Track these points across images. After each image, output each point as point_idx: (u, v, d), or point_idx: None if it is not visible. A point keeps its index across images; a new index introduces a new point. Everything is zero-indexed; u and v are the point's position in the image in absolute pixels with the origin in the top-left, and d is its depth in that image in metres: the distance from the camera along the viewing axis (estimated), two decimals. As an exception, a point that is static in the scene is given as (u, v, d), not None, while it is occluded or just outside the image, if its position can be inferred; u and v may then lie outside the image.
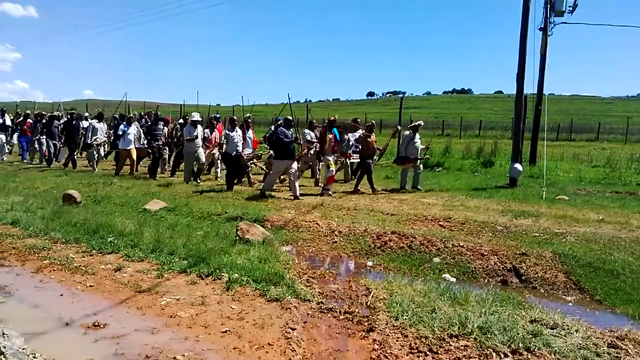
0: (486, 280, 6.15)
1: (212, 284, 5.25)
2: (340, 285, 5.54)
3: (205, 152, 13.30)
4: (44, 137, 16.79)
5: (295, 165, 10.95)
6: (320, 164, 13.14)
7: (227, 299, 4.82)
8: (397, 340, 3.96)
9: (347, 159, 13.43)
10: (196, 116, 13.16)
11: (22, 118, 19.26)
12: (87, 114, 19.20)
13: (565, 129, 40.28)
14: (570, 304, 5.50)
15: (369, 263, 6.70)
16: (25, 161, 17.87)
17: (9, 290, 4.99)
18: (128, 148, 14.04)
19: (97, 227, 7.25)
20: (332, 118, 12.13)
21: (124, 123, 14.54)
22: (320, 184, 12.08)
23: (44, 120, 17.70)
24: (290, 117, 11.66)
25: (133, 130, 14.24)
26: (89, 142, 15.05)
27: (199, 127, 12.99)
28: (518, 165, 13.12)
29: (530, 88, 15.01)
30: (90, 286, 5.18)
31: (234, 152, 11.48)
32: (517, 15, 13.68)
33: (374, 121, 13.91)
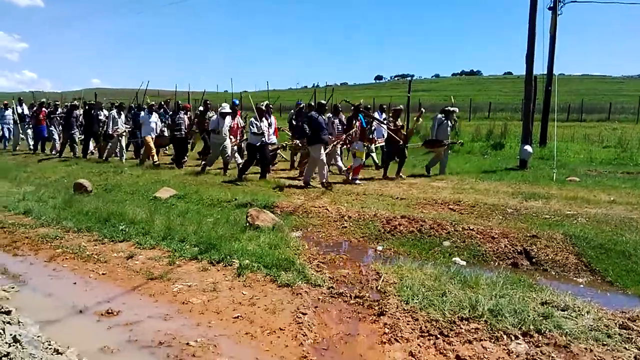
0: (497, 263, 6.15)
1: (223, 270, 5.29)
2: (351, 270, 5.56)
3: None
4: (60, 127, 16.74)
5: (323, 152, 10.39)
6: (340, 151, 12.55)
7: (239, 285, 4.86)
8: (408, 324, 3.98)
9: (372, 144, 12.81)
10: (226, 108, 12.20)
11: (36, 107, 18.24)
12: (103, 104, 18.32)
13: (575, 110, 39.82)
14: (582, 285, 5.48)
15: (379, 247, 6.71)
16: (37, 152, 17.25)
17: (23, 279, 5.07)
18: (152, 136, 13.75)
19: (108, 216, 7.32)
20: (358, 103, 11.43)
21: (146, 111, 14.26)
22: (344, 172, 11.64)
23: (59, 110, 17.44)
24: (323, 102, 11.26)
25: (154, 118, 13.98)
26: (110, 132, 14.46)
27: (228, 119, 12.16)
28: (528, 147, 13.02)
29: (540, 69, 14.87)
30: (103, 274, 5.24)
31: (259, 143, 10.96)
32: (527, -5, 13.50)
33: (401, 106, 13.41)
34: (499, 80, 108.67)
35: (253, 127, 10.89)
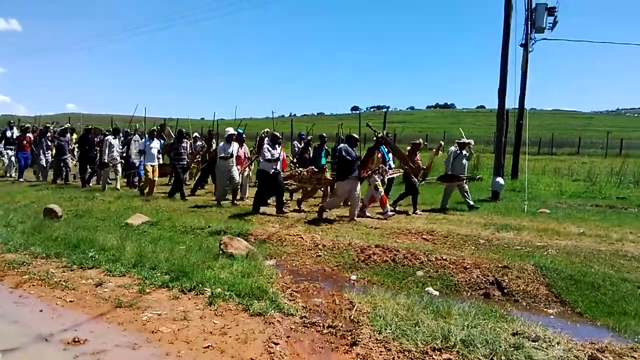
0: (469, 293, 6.17)
1: (195, 299, 5.20)
2: (324, 299, 5.52)
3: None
4: (49, 152, 15.66)
5: (358, 187, 9.94)
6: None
7: (210, 314, 4.79)
8: (381, 354, 3.96)
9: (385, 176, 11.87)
10: (230, 130, 11.74)
11: (20, 132, 17.34)
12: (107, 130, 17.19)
13: (546, 143, 40.77)
14: (552, 316, 5.53)
15: (353, 277, 6.69)
16: (21, 180, 15.91)
17: (-13, 306, 4.91)
18: (152, 164, 12.83)
19: (78, 242, 7.17)
20: (380, 135, 10.68)
21: (147, 137, 13.37)
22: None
23: (48, 134, 16.27)
24: (355, 135, 10.33)
25: (156, 145, 13.22)
26: (106, 159, 13.45)
27: (234, 144, 11.83)
28: (500, 179, 13.26)
29: (512, 103, 15.18)
30: (71, 301, 5.11)
31: (272, 170, 10.45)
32: (499, 31, 13.94)
33: (421, 140, 13.04)
34: (472, 113, 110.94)
35: (267, 153, 10.39)
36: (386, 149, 11.11)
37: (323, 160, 12.63)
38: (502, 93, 13.61)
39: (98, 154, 14.24)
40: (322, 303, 5.34)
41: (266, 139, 11.87)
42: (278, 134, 11.25)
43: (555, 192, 15.44)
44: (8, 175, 17.08)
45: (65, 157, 15.24)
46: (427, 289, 6.16)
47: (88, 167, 14.77)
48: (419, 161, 11.69)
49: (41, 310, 4.86)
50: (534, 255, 7.09)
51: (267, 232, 8.51)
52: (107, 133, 15.37)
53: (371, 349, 4.05)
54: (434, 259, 6.93)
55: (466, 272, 6.56)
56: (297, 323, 4.67)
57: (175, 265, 6.09)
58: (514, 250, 7.43)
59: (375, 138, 10.51)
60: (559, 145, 41.38)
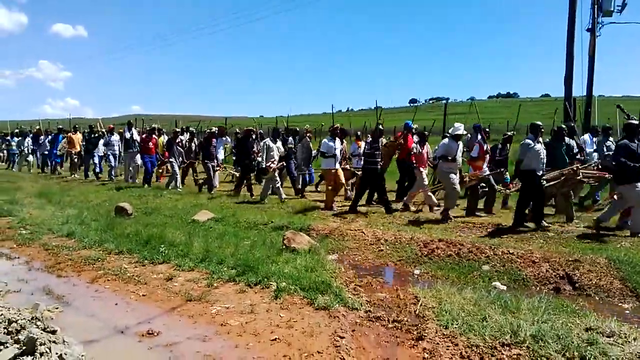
0: (538, 288, 6.00)
1: (261, 293, 5.30)
2: (388, 293, 5.51)
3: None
4: (180, 158, 14.36)
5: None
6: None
7: (276, 307, 4.87)
8: (448, 349, 3.91)
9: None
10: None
11: (146, 133, 15.70)
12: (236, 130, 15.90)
13: (616, 131, 38.85)
14: (627, 311, 5.30)
15: (416, 271, 6.64)
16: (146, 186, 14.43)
17: (67, 300, 5.18)
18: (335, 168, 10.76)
19: (148, 238, 7.45)
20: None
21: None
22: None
23: (179, 139, 14.76)
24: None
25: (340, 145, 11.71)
26: (265, 165, 11.49)
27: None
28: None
29: (579, 90, 14.59)
30: (143, 295, 5.33)
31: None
32: (564, 17, 13.42)
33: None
34: (536, 102, 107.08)
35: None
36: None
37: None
38: (569, 80, 13.15)
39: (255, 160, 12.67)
40: (386, 297, 5.33)
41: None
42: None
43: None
44: (130, 179, 15.65)
45: (212, 163, 13.49)
46: (494, 283, 6.03)
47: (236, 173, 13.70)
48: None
49: (116, 304, 5.08)
50: (606, 248, 6.80)
51: (328, 227, 8.55)
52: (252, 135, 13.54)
53: (438, 343, 4.01)
54: (500, 253, 6.77)
55: (535, 266, 6.38)
56: (362, 317, 4.68)
57: (241, 260, 6.22)
58: (585, 244, 7.15)
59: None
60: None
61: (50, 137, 20.25)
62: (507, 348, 3.86)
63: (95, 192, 13.50)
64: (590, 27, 15.85)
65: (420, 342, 4.08)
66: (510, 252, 6.76)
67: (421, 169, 10.26)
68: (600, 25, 16.03)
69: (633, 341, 3.89)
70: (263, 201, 11.49)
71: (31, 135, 21.70)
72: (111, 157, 16.55)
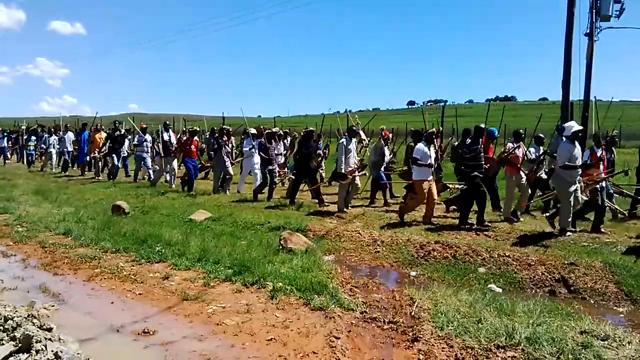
0: (533, 291, 6.03)
1: (257, 293, 5.31)
2: (384, 294, 5.52)
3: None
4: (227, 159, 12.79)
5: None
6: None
7: (272, 308, 4.88)
8: (443, 351, 3.92)
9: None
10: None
11: (187, 135, 13.85)
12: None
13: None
14: (622, 315, 5.33)
15: (413, 273, 6.66)
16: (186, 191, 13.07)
17: (63, 297, 5.18)
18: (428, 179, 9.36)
19: (145, 237, 7.45)
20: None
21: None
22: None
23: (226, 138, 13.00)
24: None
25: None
26: (343, 169, 9.79)
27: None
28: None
29: (576, 94, 14.59)
30: (140, 294, 5.33)
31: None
32: (562, 21, 13.46)
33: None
34: (535, 105, 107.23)
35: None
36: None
37: None
38: (567, 84, 13.17)
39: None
40: (382, 299, 5.34)
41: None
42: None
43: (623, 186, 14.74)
44: (168, 183, 14.22)
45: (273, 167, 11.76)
46: (489, 286, 6.06)
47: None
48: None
49: (112, 303, 5.08)
50: (601, 252, 6.84)
51: (325, 227, 8.57)
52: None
53: (433, 345, 4.02)
54: (496, 256, 6.80)
55: (530, 269, 6.41)
56: (358, 318, 4.69)
57: (238, 260, 6.23)
58: (581, 247, 7.17)
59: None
60: (628, 138, 39.31)
61: (65, 134, 18.88)
62: (502, 350, 3.87)
63: (92, 190, 13.47)
64: (588, 31, 15.90)
65: (415, 343, 4.09)
66: (507, 254, 6.79)
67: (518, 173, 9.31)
68: (598, 30, 16.05)
69: (627, 345, 3.90)
70: (343, 211, 9.99)
71: (47, 131, 20.34)
72: (147, 159, 15.15)
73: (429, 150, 8.89)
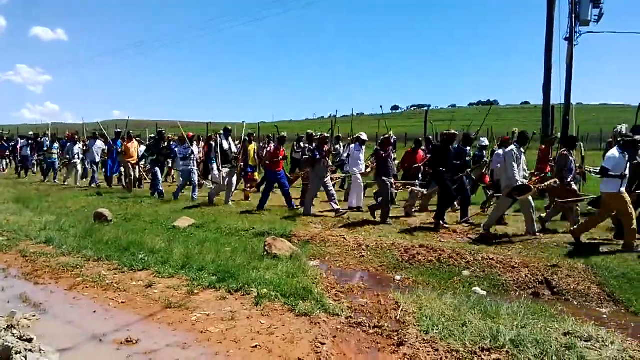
0: (517, 293, 6.05)
1: (242, 299, 5.28)
2: (369, 299, 5.51)
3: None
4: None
5: None
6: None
7: (257, 314, 4.85)
8: (428, 354, 3.93)
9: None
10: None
11: (276, 143, 12.05)
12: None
13: (595, 139, 39.47)
14: (605, 315, 5.37)
15: (397, 277, 6.66)
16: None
17: (44, 307, 5.11)
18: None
19: (128, 245, 7.37)
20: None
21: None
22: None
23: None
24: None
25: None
26: (521, 181, 8.05)
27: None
28: (546, 177, 12.82)
29: (557, 98, 14.83)
30: (122, 303, 5.27)
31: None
32: (543, 26, 13.65)
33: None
34: (517, 109, 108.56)
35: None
36: None
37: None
38: (547, 88, 13.37)
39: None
40: (367, 303, 5.33)
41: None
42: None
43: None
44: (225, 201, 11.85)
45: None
46: (474, 288, 6.08)
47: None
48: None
49: (94, 311, 5.02)
50: (584, 254, 6.89)
51: (310, 233, 8.55)
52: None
53: (418, 349, 4.02)
54: (480, 259, 6.83)
55: (514, 272, 6.44)
56: (343, 323, 4.68)
57: (222, 267, 6.19)
58: (563, 249, 7.23)
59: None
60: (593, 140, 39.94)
61: (93, 142, 16.26)
62: (487, 353, 3.89)
63: (74, 198, 13.27)
64: (567, 36, 16.13)
65: (401, 347, 4.09)
66: (490, 257, 6.83)
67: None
68: (578, 35, 16.29)
69: (610, 345, 3.94)
70: (535, 234, 8.06)
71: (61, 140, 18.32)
72: (194, 175, 12.82)
73: (625, 158, 7.13)
